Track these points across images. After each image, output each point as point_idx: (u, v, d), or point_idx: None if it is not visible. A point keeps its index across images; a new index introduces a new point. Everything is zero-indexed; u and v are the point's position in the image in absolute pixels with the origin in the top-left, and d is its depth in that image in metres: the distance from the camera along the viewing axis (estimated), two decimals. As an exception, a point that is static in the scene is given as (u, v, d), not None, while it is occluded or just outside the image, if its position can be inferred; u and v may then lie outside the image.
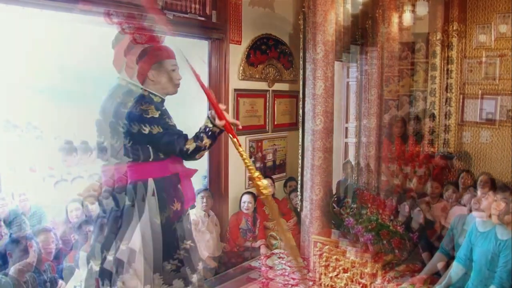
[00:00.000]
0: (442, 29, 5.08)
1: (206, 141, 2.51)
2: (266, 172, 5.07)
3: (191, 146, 2.51)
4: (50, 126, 4.37)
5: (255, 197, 4.64)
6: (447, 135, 5.16)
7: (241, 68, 4.64)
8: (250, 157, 4.90)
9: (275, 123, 5.20)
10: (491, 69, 4.92)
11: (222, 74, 4.42)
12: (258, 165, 5.01)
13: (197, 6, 4.09)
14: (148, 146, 2.58)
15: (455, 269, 3.30)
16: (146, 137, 2.53)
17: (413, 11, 4.79)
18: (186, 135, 2.58)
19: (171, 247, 2.64)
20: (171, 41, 4.28)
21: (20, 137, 4.24)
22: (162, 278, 2.61)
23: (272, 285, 3.74)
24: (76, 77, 4.48)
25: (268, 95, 5.02)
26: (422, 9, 4.79)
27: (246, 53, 4.67)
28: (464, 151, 5.11)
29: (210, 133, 2.52)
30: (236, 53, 4.57)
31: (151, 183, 2.61)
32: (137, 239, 2.57)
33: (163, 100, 2.67)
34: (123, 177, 2.66)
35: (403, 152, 4.88)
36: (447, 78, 5.13)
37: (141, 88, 2.63)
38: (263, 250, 4.36)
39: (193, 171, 2.81)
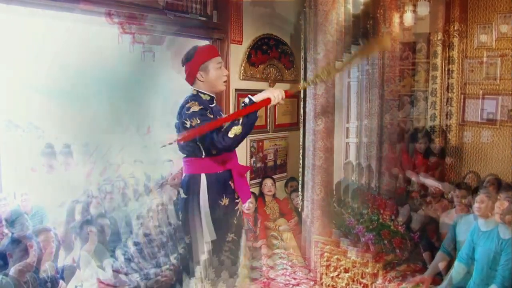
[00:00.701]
0: (443, 29, 5.07)
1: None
2: (267, 172, 5.07)
3: (225, 124, 2.51)
4: (51, 126, 4.37)
5: (256, 197, 4.64)
6: (448, 135, 5.16)
7: (242, 68, 4.64)
8: (251, 157, 4.90)
9: (276, 123, 5.20)
10: (492, 69, 4.92)
11: (223, 74, 4.41)
12: (259, 165, 5.00)
13: (198, 6, 4.09)
14: (198, 143, 2.66)
15: (457, 268, 3.30)
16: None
17: (414, 11, 4.79)
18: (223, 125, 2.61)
19: (220, 240, 2.73)
20: (172, 41, 4.32)
21: (22, 137, 4.25)
22: (214, 271, 2.72)
23: (273, 285, 3.75)
24: (77, 77, 4.49)
25: (269, 95, 5.01)
26: (423, 9, 4.78)
27: (247, 53, 4.67)
28: (454, 146, 5.11)
29: (243, 104, 2.52)
30: (237, 53, 4.57)
31: (203, 178, 2.69)
32: (204, 232, 2.68)
33: (212, 98, 2.77)
34: (180, 172, 2.85)
35: (425, 165, 4.80)
36: (448, 78, 5.12)
37: (192, 88, 2.77)
38: (264, 250, 4.36)
39: (246, 168, 2.93)
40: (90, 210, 3.81)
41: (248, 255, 2.95)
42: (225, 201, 2.73)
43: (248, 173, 4.86)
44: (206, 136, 2.52)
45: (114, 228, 3.77)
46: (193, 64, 2.71)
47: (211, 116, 2.63)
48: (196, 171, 2.72)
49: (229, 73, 4.46)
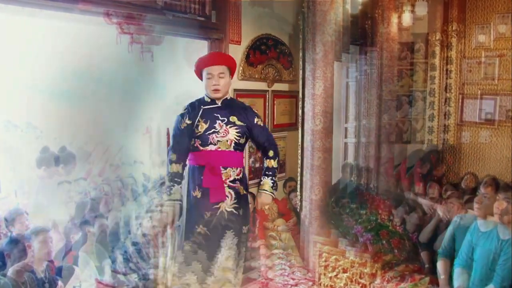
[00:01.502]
0: (441, 29, 5.08)
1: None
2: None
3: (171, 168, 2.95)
4: (50, 126, 4.38)
5: (254, 197, 4.63)
6: (446, 135, 5.17)
7: (241, 68, 4.64)
8: (250, 157, 4.89)
9: (275, 123, 5.19)
10: (490, 69, 4.93)
11: (221, 74, 4.41)
12: (257, 165, 5.00)
13: (197, 6, 4.09)
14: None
15: (458, 274, 3.26)
16: None
17: (413, 11, 4.80)
18: (174, 156, 2.97)
19: (189, 228, 2.95)
20: (172, 41, 4.32)
21: (21, 137, 4.25)
22: (184, 256, 2.92)
23: (272, 285, 3.75)
24: (75, 77, 4.49)
25: (267, 95, 5.01)
26: (422, 9, 4.79)
27: (246, 53, 4.66)
28: (452, 146, 5.11)
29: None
30: (236, 53, 4.55)
31: (186, 168, 3.02)
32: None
33: (213, 100, 2.99)
34: None
35: (423, 186, 4.78)
36: (447, 78, 5.14)
37: None
38: (262, 250, 4.36)
39: (218, 169, 3.03)
40: (100, 208, 3.86)
41: (236, 260, 2.98)
42: (197, 193, 2.93)
43: (247, 173, 4.86)
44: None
45: (112, 228, 3.77)
46: (195, 70, 3.03)
47: (188, 122, 2.91)
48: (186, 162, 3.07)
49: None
